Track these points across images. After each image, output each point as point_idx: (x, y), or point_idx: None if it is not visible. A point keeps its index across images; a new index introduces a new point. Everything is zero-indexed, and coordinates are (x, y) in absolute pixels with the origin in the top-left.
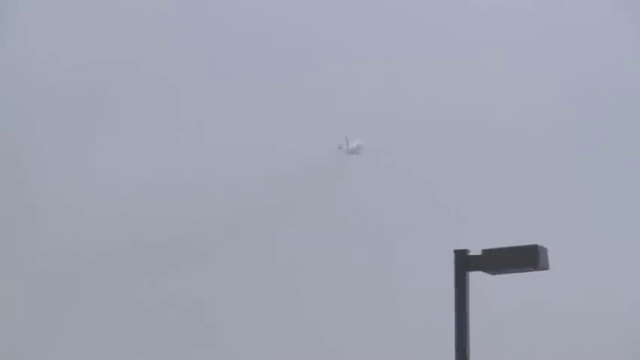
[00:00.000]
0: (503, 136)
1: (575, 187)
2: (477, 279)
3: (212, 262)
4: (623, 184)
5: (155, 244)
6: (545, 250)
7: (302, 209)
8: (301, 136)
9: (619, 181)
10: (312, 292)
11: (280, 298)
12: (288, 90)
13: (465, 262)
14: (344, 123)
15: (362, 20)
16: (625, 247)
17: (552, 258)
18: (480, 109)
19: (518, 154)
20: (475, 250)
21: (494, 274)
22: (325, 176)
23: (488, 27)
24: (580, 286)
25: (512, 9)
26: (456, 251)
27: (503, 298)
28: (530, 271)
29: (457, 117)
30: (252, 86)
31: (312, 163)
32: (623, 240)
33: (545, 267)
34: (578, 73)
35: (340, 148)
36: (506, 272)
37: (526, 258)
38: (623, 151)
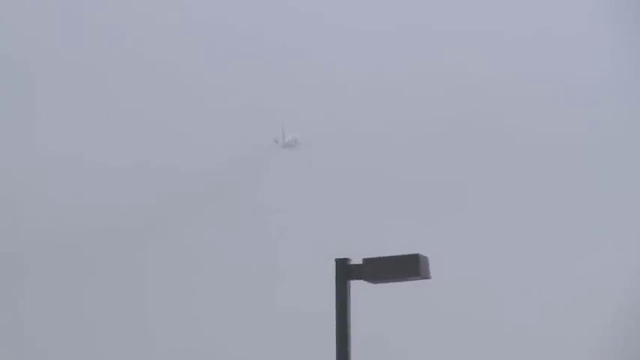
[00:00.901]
0: (502, 136)
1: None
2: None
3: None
4: (621, 186)
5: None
6: (426, 259)
7: (230, 202)
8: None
9: (618, 182)
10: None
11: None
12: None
13: (346, 271)
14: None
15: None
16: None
17: (553, 259)
18: (475, 109)
19: (511, 154)
20: (356, 259)
21: (375, 282)
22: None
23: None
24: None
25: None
26: (336, 260)
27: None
28: (412, 280)
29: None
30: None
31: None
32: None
33: (427, 276)
34: (572, 73)
35: (276, 142)
36: (387, 281)
37: (407, 267)
38: (614, 152)
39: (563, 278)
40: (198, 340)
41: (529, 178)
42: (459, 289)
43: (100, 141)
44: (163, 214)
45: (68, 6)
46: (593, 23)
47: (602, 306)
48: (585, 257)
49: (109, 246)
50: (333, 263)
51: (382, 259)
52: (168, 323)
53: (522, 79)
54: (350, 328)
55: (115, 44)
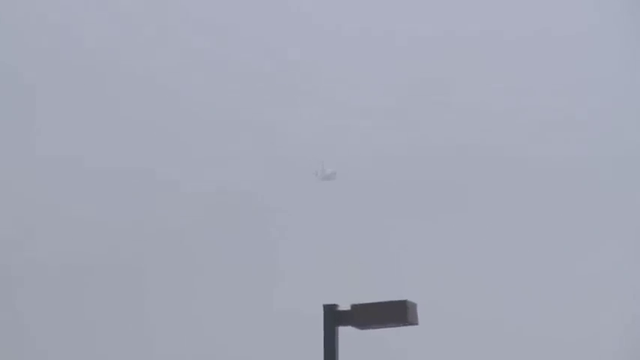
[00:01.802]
0: (503, 141)
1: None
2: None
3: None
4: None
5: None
6: (414, 305)
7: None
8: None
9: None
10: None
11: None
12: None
13: (334, 317)
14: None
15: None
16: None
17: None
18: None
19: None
20: (344, 305)
21: (363, 328)
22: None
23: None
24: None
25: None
26: (324, 306)
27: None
28: (400, 326)
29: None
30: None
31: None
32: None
33: (415, 322)
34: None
35: (316, 174)
36: (375, 327)
37: (395, 313)
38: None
39: (566, 281)
40: (198, 340)
41: (529, 182)
42: (460, 290)
43: (102, 149)
44: (163, 218)
45: (71, 19)
46: (599, 35)
47: (610, 311)
48: (586, 259)
49: (110, 247)
50: (334, 260)
51: (370, 306)
52: (168, 323)
53: (521, 90)
54: None
55: (119, 61)
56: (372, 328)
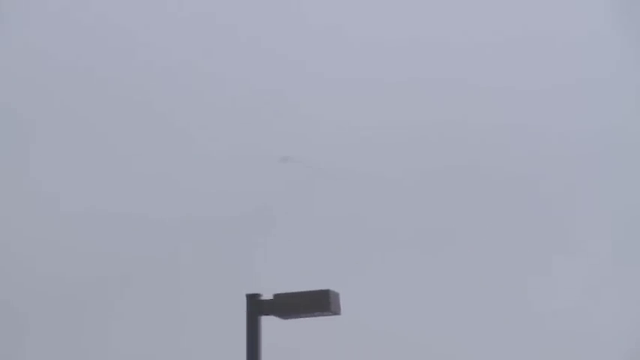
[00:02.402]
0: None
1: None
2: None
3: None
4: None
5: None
6: (336, 294)
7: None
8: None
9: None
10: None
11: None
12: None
13: (257, 307)
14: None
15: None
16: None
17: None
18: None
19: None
20: (267, 295)
21: (286, 318)
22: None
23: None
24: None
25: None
26: (247, 295)
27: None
28: (323, 315)
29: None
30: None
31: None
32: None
33: (337, 312)
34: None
35: (281, 158)
36: (298, 316)
37: (317, 302)
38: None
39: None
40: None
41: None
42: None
43: (91, 190)
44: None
45: (72, 56)
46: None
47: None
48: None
49: (99, 293)
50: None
51: (293, 295)
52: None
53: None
54: None
55: (117, 95)
56: (295, 317)
